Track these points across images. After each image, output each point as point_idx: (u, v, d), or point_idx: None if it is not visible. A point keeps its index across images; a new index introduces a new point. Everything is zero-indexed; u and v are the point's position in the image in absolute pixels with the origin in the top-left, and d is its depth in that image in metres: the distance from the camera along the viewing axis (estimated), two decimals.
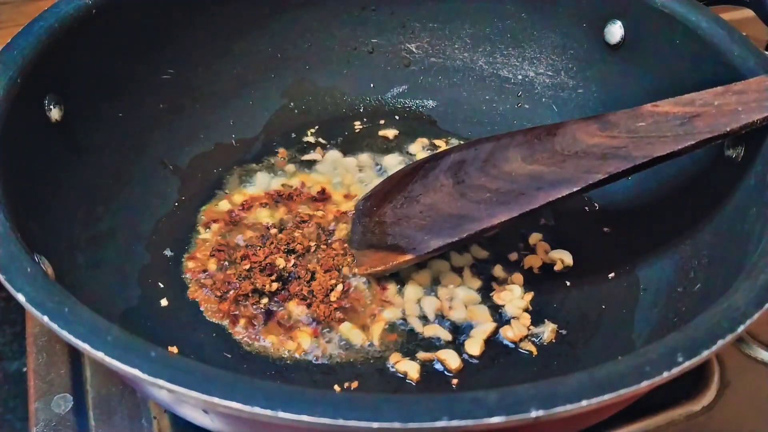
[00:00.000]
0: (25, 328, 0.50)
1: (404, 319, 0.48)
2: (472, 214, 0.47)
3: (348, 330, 0.47)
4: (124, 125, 0.53)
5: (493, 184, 0.47)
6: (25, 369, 0.49)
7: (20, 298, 0.32)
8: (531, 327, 0.48)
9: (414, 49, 0.64)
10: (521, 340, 0.47)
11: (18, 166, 0.41)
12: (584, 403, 0.29)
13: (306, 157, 0.60)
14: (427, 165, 0.52)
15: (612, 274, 0.51)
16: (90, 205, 0.49)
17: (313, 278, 0.49)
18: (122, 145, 0.52)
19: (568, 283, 0.51)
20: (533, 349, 0.47)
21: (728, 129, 0.42)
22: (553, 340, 0.47)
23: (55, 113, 0.46)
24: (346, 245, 0.52)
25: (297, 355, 0.46)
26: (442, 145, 0.61)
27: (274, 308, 0.48)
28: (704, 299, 0.39)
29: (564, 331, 0.48)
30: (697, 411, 0.46)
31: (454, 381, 0.45)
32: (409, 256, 0.48)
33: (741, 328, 0.32)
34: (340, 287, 0.49)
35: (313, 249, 0.51)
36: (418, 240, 0.48)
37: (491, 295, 0.50)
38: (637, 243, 0.51)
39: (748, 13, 0.68)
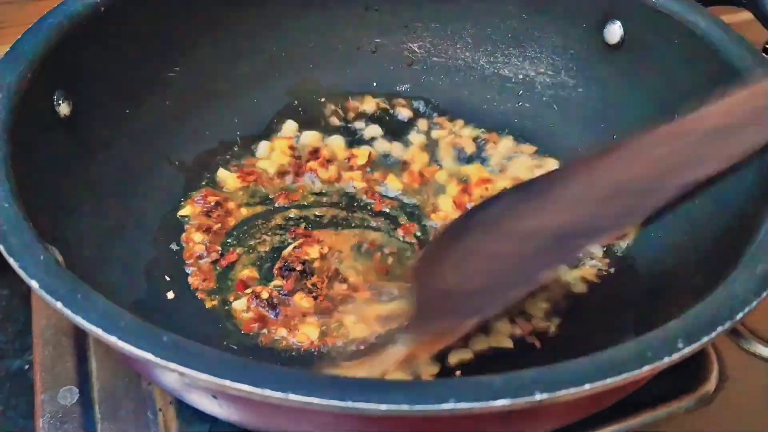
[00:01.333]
0: (29, 325, 0.50)
1: None
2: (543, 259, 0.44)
3: (352, 323, 0.48)
4: (130, 121, 0.53)
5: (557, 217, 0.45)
6: (27, 366, 0.50)
7: (33, 284, 0.33)
8: (535, 321, 0.48)
9: (416, 49, 0.65)
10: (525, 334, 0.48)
11: (28, 160, 0.42)
12: (587, 386, 0.29)
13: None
14: (481, 212, 0.49)
15: (613, 269, 0.51)
16: (97, 199, 0.49)
17: (306, 271, 0.50)
18: (129, 141, 0.53)
19: (569, 278, 0.51)
20: (537, 342, 0.47)
21: None
22: (557, 334, 0.48)
23: (64, 108, 0.47)
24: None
25: (302, 348, 0.46)
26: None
27: (276, 301, 0.49)
28: (704, 291, 0.40)
29: (566, 325, 0.48)
30: (696, 405, 0.46)
31: (458, 373, 0.45)
32: (475, 319, 0.43)
33: (740, 316, 0.33)
34: (345, 286, 0.49)
35: None
36: (484, 298, 0.44)
37: None
38: (637, 238, 0.52)
39: (747, 15, 0.69)
